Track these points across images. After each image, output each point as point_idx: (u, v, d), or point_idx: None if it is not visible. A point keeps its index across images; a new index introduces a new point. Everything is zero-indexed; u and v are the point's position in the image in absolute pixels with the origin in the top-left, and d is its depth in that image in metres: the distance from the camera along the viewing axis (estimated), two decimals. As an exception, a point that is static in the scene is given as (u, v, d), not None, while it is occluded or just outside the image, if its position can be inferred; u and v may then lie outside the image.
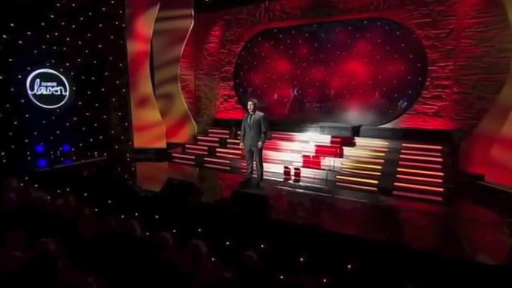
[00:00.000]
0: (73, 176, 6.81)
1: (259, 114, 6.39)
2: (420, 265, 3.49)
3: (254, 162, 6.55)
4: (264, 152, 7.68)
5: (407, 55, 7.99)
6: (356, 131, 8.29)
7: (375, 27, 8.37)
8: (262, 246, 4.20)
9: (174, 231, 4.58)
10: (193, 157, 8.93)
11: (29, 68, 7.99)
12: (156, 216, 5.24)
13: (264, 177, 6.65)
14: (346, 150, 7.64)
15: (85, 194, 6.01)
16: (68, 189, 5.88)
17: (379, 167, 6.89)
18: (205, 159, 8.72)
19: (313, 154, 7.78)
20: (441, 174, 6.29)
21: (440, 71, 7.49)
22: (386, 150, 7.43)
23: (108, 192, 5.92)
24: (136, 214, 4.98)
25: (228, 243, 4.42)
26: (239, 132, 6.70)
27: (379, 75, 8.38)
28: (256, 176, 6.58)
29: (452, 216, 5.28)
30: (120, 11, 8.77)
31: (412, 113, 7.92)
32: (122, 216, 4.28)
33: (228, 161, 8.37)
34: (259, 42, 10.07)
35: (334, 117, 8.94)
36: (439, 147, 6.99)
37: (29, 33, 7.70)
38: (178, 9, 9.45)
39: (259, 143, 6.31)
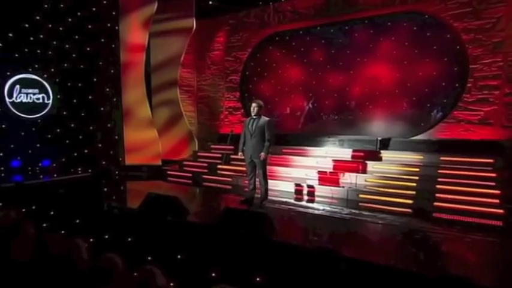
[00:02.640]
0: (41, 193, 6.08)
1: (264, 119, 5.60)
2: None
3: (257, 178, 5.67)
4: (272, 168, 6.87)
5: (441, 58, 7.16)
6: (385, 144, 7.34)
7: (401, 28, 7.61)
8: (257, 279, 3.29)
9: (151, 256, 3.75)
10: (190, 175, 8.18)
11: (8, 73, 7.49)
12: (129, 239, 4.44)
13: (270, 196, 5.79)
14: (371, 165, 6.70)
15: (51, 212, 5.32)
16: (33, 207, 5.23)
17: (413, 185, 5.88)
18: (204, 177, 7.93)
19: (331, 170, 6.85)
20: (497, 192, 5.18)
21: (485, 69, 6.52)
22: (421, 165, 6.45)
23: (74, 210, 5.14)
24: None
25: (213, 274, 3.54)
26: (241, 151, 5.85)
27: (408, 83, 7.56)
28: (259, 194, 5.68)
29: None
30: (113, 12, 8.33)
31: (451, 121, 6.92)
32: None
33: (229, 179, 7.51)
34: (269, 49, 9.47)
35: (355, 130, 8.11)
36: (490, 161, 5.93)
37: (10, 34, 7.29)
38: (179, 11, 9.04)
39: (263, 154, 5.46)
